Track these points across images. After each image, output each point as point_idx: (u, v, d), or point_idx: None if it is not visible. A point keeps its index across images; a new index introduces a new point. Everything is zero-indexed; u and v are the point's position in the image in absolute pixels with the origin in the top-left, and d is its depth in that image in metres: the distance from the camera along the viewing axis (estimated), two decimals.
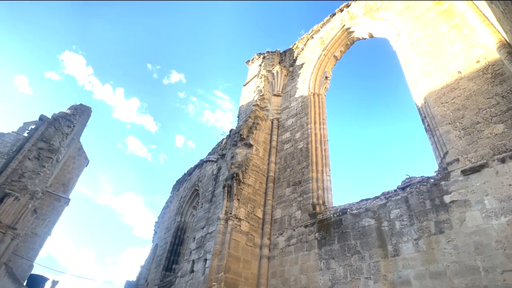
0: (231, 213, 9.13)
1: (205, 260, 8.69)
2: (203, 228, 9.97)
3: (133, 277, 13.47)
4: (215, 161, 12.32)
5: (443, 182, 6.16)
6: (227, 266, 7.95)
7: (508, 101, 6.14)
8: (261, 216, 9.40)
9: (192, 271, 9.04)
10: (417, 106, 8.09)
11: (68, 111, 18.28)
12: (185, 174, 14.34)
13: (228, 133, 12.49)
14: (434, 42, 8.42)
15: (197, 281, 8.46)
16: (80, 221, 72.31)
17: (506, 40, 6.64)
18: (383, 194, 7.20)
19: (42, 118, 16.48)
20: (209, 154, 13.08)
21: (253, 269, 8.33)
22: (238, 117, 13.31)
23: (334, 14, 13.61)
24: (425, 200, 6.23)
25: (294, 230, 8.37)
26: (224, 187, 9.93)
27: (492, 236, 4.96)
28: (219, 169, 11.69)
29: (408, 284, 5.54)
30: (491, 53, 6.93)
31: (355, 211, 7.31)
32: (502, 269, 4.62)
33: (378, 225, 6.67)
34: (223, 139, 12.96)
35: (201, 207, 11.02)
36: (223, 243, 8.34)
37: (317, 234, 7.73)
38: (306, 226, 8.11)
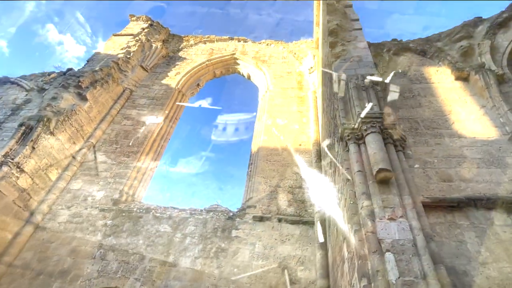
0: (12, 159, 7.30)
1: None
2: None
3: None
4: (27, 90, 9.62)
5: (237, 219, 7.44)
6: None
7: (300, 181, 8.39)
8: (53, 179, 7.89)
9: None
10: (251, 153, 9.63)
11: None
12: None
13: (65, 70, 10.17)
14: (285, 113, 10.50)
15: None
16: None
17: (319, 140, 9.24)
18: (190, 209, 7.81)
19: None
20: (23, 77, 10.05)
21: (8, 234, 6.70)
22: (87, 61, 11.15)
23: (232, 38, 14.52)
24: (219, 228, 7.26)
25: (86, 209, 7.51)
26: (21, 125, 7.97)
27: (249, 271, 6.36)
28: (28, 101, 9.19)
29: None
30: (309, 144, 9.38)
31: (158, 214, 7.49)
32: None
33: (172, 235, 7.09)
34: (53, 72, 10.40)
35: None
36: None
37: (109, 221, 7.26)
38: (102, 210, 7.47)
